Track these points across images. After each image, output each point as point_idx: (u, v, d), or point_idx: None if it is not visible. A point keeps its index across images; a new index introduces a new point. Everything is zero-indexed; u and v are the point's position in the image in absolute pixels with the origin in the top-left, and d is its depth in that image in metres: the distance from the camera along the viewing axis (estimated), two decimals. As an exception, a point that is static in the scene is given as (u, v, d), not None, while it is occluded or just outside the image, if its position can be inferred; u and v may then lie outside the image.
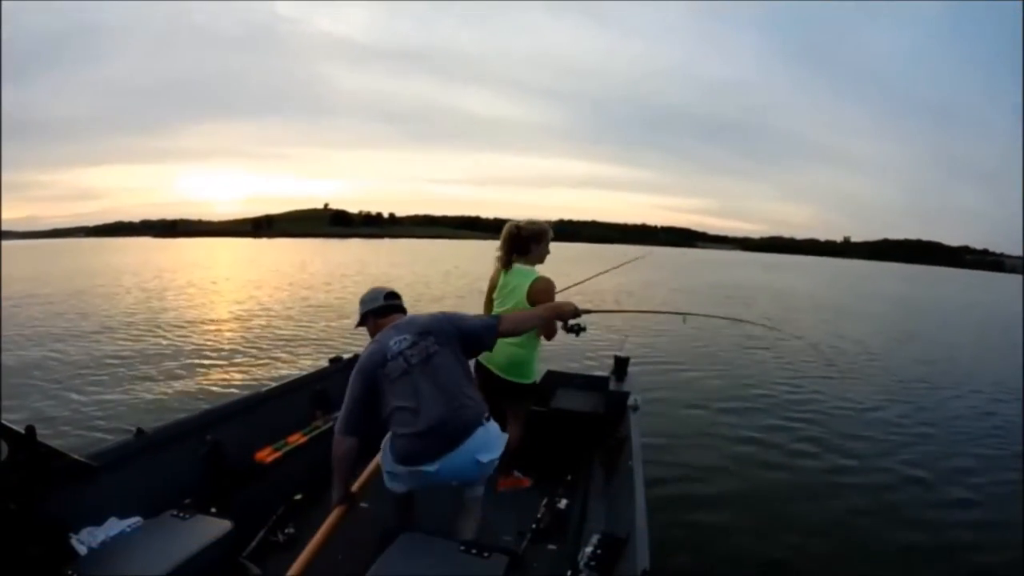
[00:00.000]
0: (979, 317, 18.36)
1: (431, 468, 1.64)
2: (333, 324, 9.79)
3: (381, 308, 1.94)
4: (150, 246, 75.43)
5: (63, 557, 1.55)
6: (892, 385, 7.14)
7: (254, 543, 2.08)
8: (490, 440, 1.71)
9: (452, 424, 1.65)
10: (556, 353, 7.12)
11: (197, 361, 6.89)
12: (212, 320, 10.42)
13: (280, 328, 9.47)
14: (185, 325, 9.60)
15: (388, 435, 1.78)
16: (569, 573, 1.67)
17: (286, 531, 2.20)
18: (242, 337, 8.59)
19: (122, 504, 1.79)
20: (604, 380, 3.23)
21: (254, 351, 7.56)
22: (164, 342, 8.11)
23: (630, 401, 2.82)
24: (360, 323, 1.99)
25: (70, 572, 1.46)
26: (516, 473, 2.75)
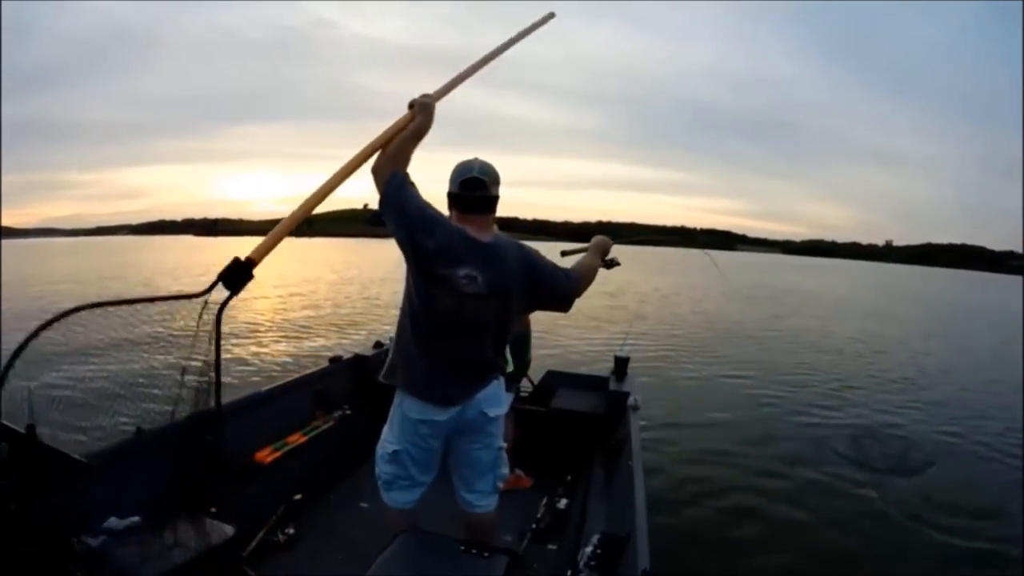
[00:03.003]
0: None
1: (443, 416, 1.54)
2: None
3: (463, 199, 1.51)
4: (194, 244, 75.58)
5: (63, 557, 1.55)
6: (905, 386, 7.14)
7: (254, 543, 2.08)
8: (499, 395, 1.63)
9: (471, 374, 1.55)
10: (556, 352, 7.15)
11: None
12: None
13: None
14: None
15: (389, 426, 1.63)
16: (569, 573, 1.67)
17: (286, 531, 2.20)
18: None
19: (122, 504, 1.79)
20: (604, 380, 3.23)
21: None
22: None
23: (630, 401, 2.82)
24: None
25: (70, 572, 1.46)
26: (518, 471, 2.75)
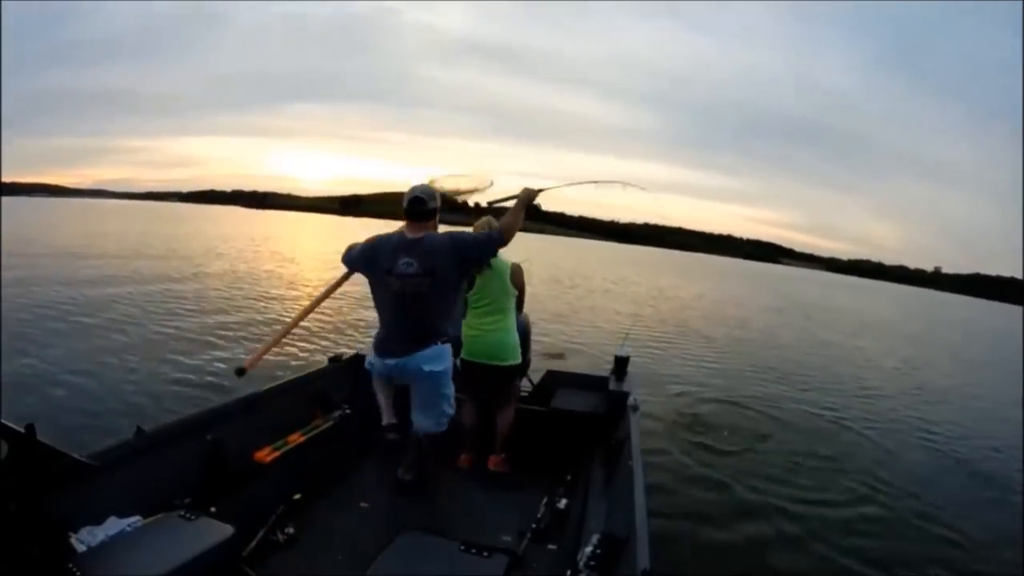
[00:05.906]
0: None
1: (391, 362, 2.23)
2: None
3: (408, 212, 2.23)
4: (242, 216, 75.44)
5: (63, 557, 1.55)
6: (916, 401, 7.11)
7: (254, 543, 2.08)
8: (438, 355, 2.21)
9: (412, 339, 2.19)
10: (556, 352, 7.15)
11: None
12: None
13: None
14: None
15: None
16: (569, 573, 1.67)
17: (286, 531, 2.20)
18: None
19: (122, 503, 1.79)
20: (604, 380, 3.22)
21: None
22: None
23: (630, 401, 2.81)
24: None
25: (70, 571, 1.46)
26: (503, 456, 2.76)
